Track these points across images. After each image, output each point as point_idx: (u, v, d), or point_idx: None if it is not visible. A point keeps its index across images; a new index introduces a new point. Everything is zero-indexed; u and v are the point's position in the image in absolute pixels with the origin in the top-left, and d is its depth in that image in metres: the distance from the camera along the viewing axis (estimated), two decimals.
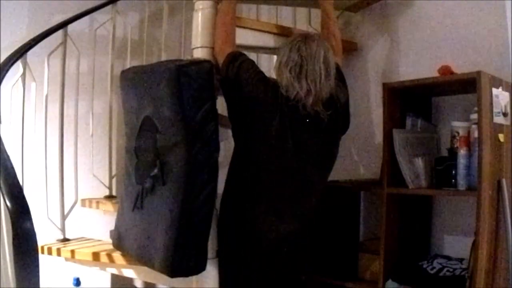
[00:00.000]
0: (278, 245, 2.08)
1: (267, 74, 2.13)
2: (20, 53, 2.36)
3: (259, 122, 2.01)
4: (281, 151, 2.02)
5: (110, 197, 2.90)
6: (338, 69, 2.17)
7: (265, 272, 2.07)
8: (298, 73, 1.98)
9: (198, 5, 2.18)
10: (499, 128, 2.15)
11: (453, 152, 2.25)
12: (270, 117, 1.99)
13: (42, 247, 2.47)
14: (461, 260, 2.31)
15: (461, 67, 2.29)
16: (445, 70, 2.29)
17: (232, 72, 2.04)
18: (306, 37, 2.06)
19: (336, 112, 2.10)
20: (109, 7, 2.86)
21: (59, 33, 2.60)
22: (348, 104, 2.23)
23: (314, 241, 2.40)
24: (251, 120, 2.03)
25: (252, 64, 2.09)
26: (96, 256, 2.41)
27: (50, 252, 2.49)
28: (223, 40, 2.11)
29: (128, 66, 2.92)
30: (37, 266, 1.55)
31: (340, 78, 2.20)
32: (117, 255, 2.35)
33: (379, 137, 2.47)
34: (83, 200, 2.82)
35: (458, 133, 2.26)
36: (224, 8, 2.13)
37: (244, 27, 2.24)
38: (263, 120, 2.01)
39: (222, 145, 2.02)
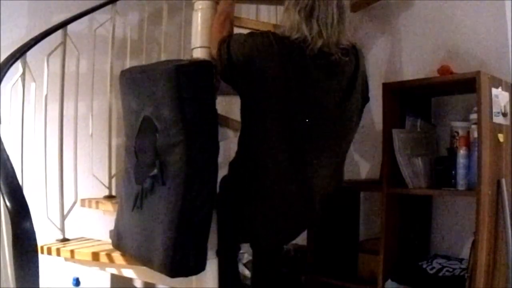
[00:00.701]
0: (281, 245, 2.06)
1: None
2: (19, 53, 2.36)
3: (264, 81, 1.89)
4: (287, 95, 1.89)
5: (109, 197, 2.90)
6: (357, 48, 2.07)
7: (265, 272, 2.07)
8: (308, 14, 1.87)
9: (198, 5, 2.18)
10: (498, 128, 2.15)
11: (452, 152, 2.25)
12: (270, 68, 1.87)
13: (42, 247, 2.47)
14: (460, 260, 2.31)
15: (460, 67, 2.29)
16: (445, 70, 2.30)
17: (224, 54, 1.95)
18: None
19: (357, 59, 1.98)
20: (108, 7, 2.86)
21: (59, 33, 2.60)
22: (366, 76, 2.11)
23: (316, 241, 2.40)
24: (258, 84, 1.91)
25: (238, 36, 2.00)
26: (95, 256, 2.41)
27: (49, 252, 2.48)
28: (219, 40, 2.08)
29: (127, 66, 2.92)
30: (37, 266, 1.55)
31: (355, 53, 2.07)
32: (116, 255, 2.34)
33: (378, 137, 2.47)
34: (82, 200, 2.82)
35: (457, 133, 2.26)
36: (221, 8, 2.12)
37: (243, 27, 2.24)
38: (266, 76, 1.88)
39: (221, 145, 2.02)
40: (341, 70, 1.95)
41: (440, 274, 2.24)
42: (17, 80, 2.41)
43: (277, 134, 1.91)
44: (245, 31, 2.21)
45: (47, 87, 2.58)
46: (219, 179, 2.01)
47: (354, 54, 2.00)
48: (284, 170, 1.93)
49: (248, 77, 1.92)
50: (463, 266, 2.24)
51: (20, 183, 2.06)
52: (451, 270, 2.25)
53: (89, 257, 2.43)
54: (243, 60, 1.91)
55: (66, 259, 2.54)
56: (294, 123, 1.91)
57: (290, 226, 2.06)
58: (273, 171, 1.93)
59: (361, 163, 2.95)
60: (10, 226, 1.54)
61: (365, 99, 2.15)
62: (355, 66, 2.00)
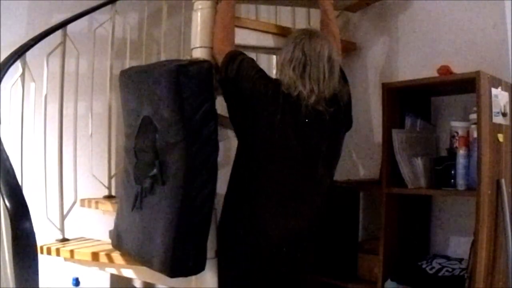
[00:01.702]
0: (283, 245, 2.07)
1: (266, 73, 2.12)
2: (19, 53, 2.36)
3: (261, 120, 2.00)
4: (284, 148, 2.01)
5: (109, 197, 2.90)
6: (340, 68, 2.16)
7: (266, 272, 2.07)
8: (301, 72, 1.98)
9: (197, 5, 2.18)
10: (498, 128, 2.15)
11: (452, 152, 2.25)
12: (272, 114, 1.97)
13: (42, 247, 2.47)
14: (460, 260, 2.31)
15: (460, 67, 2.29)
16: (444, 70, 2.30)
17: (231, 71, 2.02)
18: (310, 35, 2.04)
19: (339, 110, 2.09)
20: (108, 7, 2.86)
21: (58, 33, 2.60)
22: (350, 102, 2.22)
23: (316, 241, 2.40)
24: (252, 118, 2.01)
25: (252, 62, 2.08)
26: (95, 256, 2.41)
27: (49, 252, 2.48)
28: (222, 40, 2.10)
29: (127, 66, 2.92)
30: (36, 266, 1.55)
31: (342, 76, 2.20)
32: (116, 255, 2.34)
33: (378, 137, 2.47)
34: (82, 200, 2.82)
35: (457, 133, 2.26)
36: (223, 8, 2.12)
37: (243, 27, 2.24)
38: (264, 117, 1.99)
39: (221, 145, 2.02)
40: (330, 127, 2.07)
41: (440, 274, 2.24)
42: (16, 80, 2.41)
43: (274, 176, 2.04)
44: (245, 31, 2.22)
45: (46, 87, 2.58)
46: (219, 179, 2.01)
47: (336, 101, 2.08)
48: (277, 208, 2.05)
49: (250, 114, 2.02)
50: (462, 266, 2.24)
51: (20, 183, 2.06)
52: (450, 270, 2.25)
53: (88, 257, 2.42)
54: (248, 94, 2.00)
55: (65, 259, 2.53)
56: (290, 169, 2.03)
57: (288, 232, 2.08)
58: (267, 207, 2.05)
59: (360, 163, 2.95)
60: (9, 226, 1.54)
61: (349, 125, 2.26)
62: (338, 112, 2.10)
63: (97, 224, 2.81)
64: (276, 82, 2.03)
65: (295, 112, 1.99)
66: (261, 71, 2.07)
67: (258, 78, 2.02)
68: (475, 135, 2.12)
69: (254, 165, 2.05)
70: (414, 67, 2.65)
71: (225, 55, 2.06)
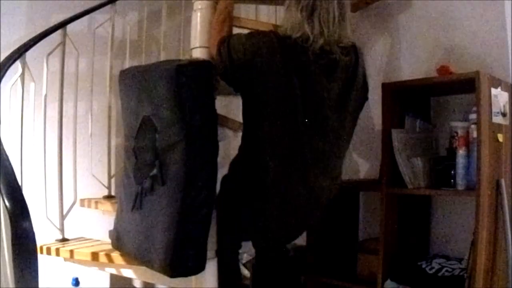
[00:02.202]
0: (281, 245, 2.05)
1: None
2: (19, 53, 2.36)
3: (266, 82, 1.88)
4: (288, 95, 1.89)
5: (109, 197, 2.90)
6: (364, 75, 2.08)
7: (265, 272, 2.07)
8: (310, 13, 1.88)
9: (197, 5, 2.18)
10: (498, 128, 2.15)
11: (452, 152, 2.25)
12: (273, 68, 1.87)
13: (41, 247, 2.47)
14: (460, 260, 2.31)
15: (460, 67, 2.29)
16: (444, 70, 2.30)
17: (224, 53, 1.94)
18: None
19: (356, 60, 1.98)
20: (108, 7, 2.86)
21: (58, 33, 2.60)
22: (366, 76, 2.11)
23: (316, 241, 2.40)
24: (259, 85, 1.90)
25: (239, 35, 2.00)
26: (95, 256, 2.41)
27: (49, 252, 2.48)
28: (218, 40, 2.07)
29: (127, 66, 2.92)
30: (36, 266, 1.55)
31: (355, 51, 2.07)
32: (116, 255, 2.34)
33: (378, 137, 2.47)
34: (82, 200, 2.82)
35: (457, 133, 2.26)
36: (221, 8, 2.12)
37: (243, 27, 2.24)
38: (268, 77, 1.88)
39: (221, 145, 2.01)
40: (342, 70, 1.95)
41: (440, 274, 2.24)
42: (16, 80, 2.41)
43: (279, 134, 1.91)
44: (244, 31, 2.21)
45: (46, 87, 2.58)
46: (218, 179, 2.01)
47: (354, 53, 2.00)
48: (286, 170, 1.93)
49: (249, 76, 1.91)
50: (462, 266, 2.24)
51: (20, 183, 2.06)
52: (450, 270, 2.25)
53: (88, 257, 2.42)
54: (244, 59, 1.90)
55: (65, 259, 2.53)
56: (296, 122, 1.90)
57: (292, 225, 2.06)
58: (274, 171, 1.92)
59: (360, 163, 2.95)
60: (9, 226, 1.54)
61: (364, 98, 2.14)
62: (355, 65, 2.00)
63: (97, 224, 2.81)
64: (268, 34, 1.93)
65: (298, 54, 1.88)
66: (250, 34, 1.98)
67: (247, 40, 1.92)
68: (474, 135, 2.12)
69: (264, 128, 1.92)
70: (414, 67, 2.65)
71: (216, 48, 2.00)
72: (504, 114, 2.20)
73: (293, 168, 1.94)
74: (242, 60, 1.91)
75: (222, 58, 1.95)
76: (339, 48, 1.93)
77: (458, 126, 2.28)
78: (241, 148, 2.04)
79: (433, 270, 2.27)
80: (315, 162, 1.96)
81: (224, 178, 2.07)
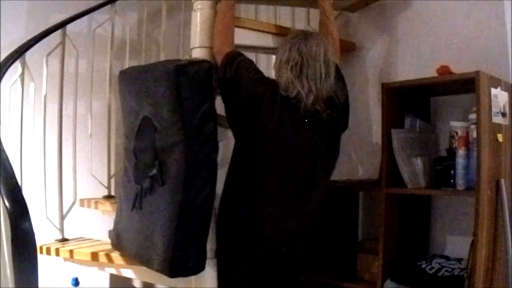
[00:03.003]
0: (282, 244, 2.07)
1: (266, 74, 2.13)
2: (18, 53, 2.36)
3: (258, 121, 2.00)
4: (281, 148, 2.01)
5: (108, 197, 2.90)
6: (337, 68, 2.17)
7: (265, 272, 2.07)
8: (299, 72, 1.98)
9: (197, 5, 2.18)
10: (497, 128, 2.15)
11: (451, 152, 2.25)
12: (269, 115, 1.98)
13: (41, 247, 2.47)
14: (459, 260, 2.31)
15: (459, 67, 2.29)
16: (444, 70, 2.30)
17: (230, 72, 2.03)
18: (306, 35, 2.05)
19: (336, 110, 2.10)
20: (107, 7, 2.86)
21: (58, 33, 2.60)
22: (347, 102, 2.23)
23: (316, 241, 2.40)
24: (250, 119, 2.01)
25: (250, 64, 2.09)
26: (94, 256, 2.41)
27: (48, 252, 2.48)
28: (222, 40, 2.10)
29: (126, 66, 2.91)
30: (36, 266, 1.55)
31: (339, 77, 2.20)
32: (115, 255, 2.35)
33: (377, 137, 2.47)
34: (81, 200, 2.82)
35: (456, 133, 2.26)
36: (223, 8, 2.13)
37: (243, 27, 2.24)
38: (262, 118, 1.99)
39: (221, 145, 2.02)
40: (328, 127, 2.08)
41: (439, 274, 2.24)
42: (16, 80, 2.41)
43: (269, 177, 2.04)
44: (244, 31, 2.22)
45: (46, 87, 2.58)
46: (218, 179, 2.01)
47: (333, 104, 2.09)
48: (274, 210, 2.05)
49: (248, 115, 2.01)
50: (462, 266, 2.24)
51: (19, 183, 2.06)
52: (450, 270, 2.25)
53: (88, 257, 2.43)
54: (246, 95, 2.01)
55: (65, 259, 2.54)
56: (285, 170, 2.04)
57: (291, 226, 2.08)
58: (263, 209, 2.05)
59: (360, 163, 2.95)
60: (9, 226, 1.54)
61: (345, 126, 2.26)
62: (335, 114, 2.11)
63: (97, 224, 2.81)
64: (274, 84, 2.04)
65: (293, 112, 2.00)
66: (259, 72, 2.08)
67: (256, 80, 2.03)
68: (474, 135, 2.11)
69: (251, 164, 2.05)
70: (413, 67, 2.65)
71: (224, 56, 2.07)
72: (504, 114, 2.20)
73: (279, 208, 2.06)
74: (245, 92, 2.01)
75: (226, 74, 2.04)
76: (324, 105, 2.04)
77: (458, 126, 2.28)
78: (226, 185, 2.12)
79: (433, 270, 2.27)
80: (300, 204, 2.10)
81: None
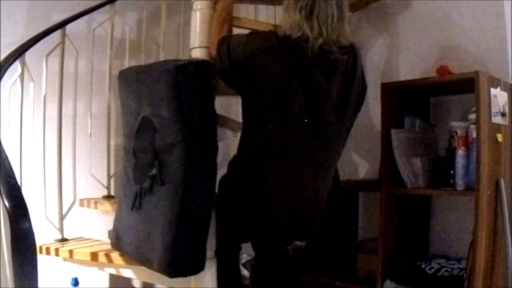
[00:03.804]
0: (280, 245, 2.05)
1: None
2: (18, 53, 2.36)
3: (261, 76, 1.89)
4: (289, 99, 1.89)
5: (108, 197, 2.90)
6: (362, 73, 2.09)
7: (264, 272, 2.07)
8: (308, 13, 1.88)
9: (196, 5, 2.18)
10: (497, 128, 2.15)
11: (451, 152, 2.25)
12: (271, 66, 1.87)
13: (40, 247, 2.47)
14: (459, 260, 2.31)
15: (459, 67, 2.29)
16: (443, 70, 2.30)
17: (223, 53, 1.96)
18: None
19: (355, 58, 1.99)
20: (107, 7, 2.86)
21: (58, 33, 2.60)
22: (364, 77, 2.11)
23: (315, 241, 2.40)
24: (253, 78, 1.91)
25: (238, 35, 2.01)
26: (94, 256, 2.41)
27: (48, 252, 2.48)
28: (218, 40, 2.08)
29: (126, 66, 2.91)
30: (35, 266, 1.55)
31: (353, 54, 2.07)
32: (115, 255, 2.34)
33: (377, 137, 2.47)
34: (81, 200, 2.82)
35: (456, 133, 2.26)
36: (220, 8, 2.12)
37: (242, 27, 2.24)
38: (264, 72, 1.89)
39: (220, 145, 2.01)
40: (340, 69, 1.95)
41: (439, 274, 2.25)
42: (16, 80, 2.41)
43: (278, 135, 1.92)
44: (244, 31, 2.22)
45: (45, 87, 2.58)
46: (218, 179, 2.01)
47: (352, 53, 2.01)
48: (283, 172, 1.94)
49: (249, 76, 1.92)
50: (461, 266, 2.24)
51: (19, 183, 2.06)
52: (449, 270, 2.25)
53: (87, 257, 2.42)
54: (244, 59, 1.91)
55: (64, 259, 2.53)
56: (295, 123, 1.91)
57: (291, 226, 2.07)
58: (273, 172, 1.93)
59: (360, 163, 2.95)
60: (8, 226, 1.53)
61: (362, 99, 2.14)
62: (353, 65, 2.00)
63: (96, 224, 2.81)
64: (269, 33, 1.96)
65: (298, 54, 1.89)
66: (251, 34, 1.99)
67: (247, 40, 1.94)
68: (474, 135, 2.12)
69: (261, 125, 1.95)
70: (413, 67, 2.65)
71: (216, 47, 2.01)
72: (503, 114, 2.20)
73: (290, 170, 1.94)
74: (242, 60, 1.91)
75: (222, 58, 1.96)
76: (337, 48, 1.93)
77: (458, 126, 2.28)
78: (239, 150, 2.04)
79: (433, 270, 2.27)
80: (312, 164, 1.97)
81: (223, 179, 2.07)
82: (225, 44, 1.97)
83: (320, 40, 1.89)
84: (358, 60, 2.02)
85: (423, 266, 2.32)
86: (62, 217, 2.61)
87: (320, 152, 1.98)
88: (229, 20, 2.12)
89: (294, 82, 1.88)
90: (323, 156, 1.99)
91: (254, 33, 2.00)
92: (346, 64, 1.97)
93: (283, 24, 1.95)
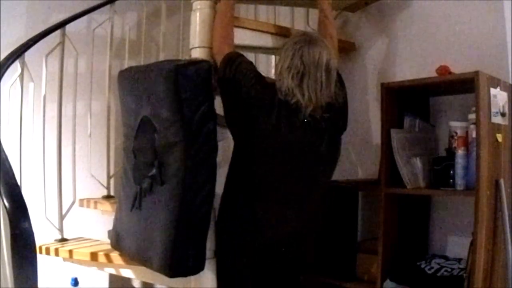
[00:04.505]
0: (281, 244, 2.07)
1: (265, 73, 2.13)
2: (18, 53, 2.36)
3: (255, 122, 2.00)
4: (279, 149, 2.01)
5: (108, 197, 2.90)
6: (337, 71, 2.16)
7: (264, 272, 2.07)
8: (299, 81, 1.97)
9: (196, 5, 2.18)
10: (497, 128, 2.15)
11: (451, 152, 2.25)
12: (267, 116, 1.97)
13: (40, 247, 2.47)
14: (459, 260, 2.31)
15: (459, 67, 2.29)
16: (443, 70, 2.30)
17: (229, 73, 2.02)
18: (310, 41, 2.02)
19: (335, 114, 2.10)
20: (107, 7, 2.86)
21: (57, 33, 2.60)
22: (346, 105, 2.21)
23: (314, 242, 2.41)
24: (248, 120, 2.01)
25: (250, 65, 2.08)
26: (94, 256, 2.41)
27: (48, 252, 2.48)
28: (221, 40, 2.10)
29: (126, 66, 2.91)
30: (35, 266, 1.55)
31: (339, 80, 2.19)
32: (115, 255, 2.35)
33: (377, 137, 2.47)
34: (81, 200, 2.82)
35: (456, 133, 2.26)
36: (222, 8, 2.13)
37: (242, 27, 2.24)
38: (259, 120, 1.99)
39: (220, 145, 2.01)
40: (327, 131, 2.06)
41: (439, 274, 2.25)
42: (15, 80, 2.41)
43: (262, 174, 2.04)
44: (243, 31, 2.22)
45: (45, 87, 2.58)
46: (217, 179, 2.01)
47: (333, 109, 2.08)
48: (272, 212, 2.05)
49: (241, 110, 2.02)
50: (461, 266, 2.24)
51: (19, 183, 2.06)
52: (449, 270, 2.25)
53: (87, 257, 2.43)
54: (245, 97, 2.00)
55: (64, 259, 2.54)
56: (280, 168, 2.03)
57: (291, 226, 2.08)
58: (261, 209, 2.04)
59: (359, 163, 2.95)
60: (8, 226, 1.53)
61: (343, 128, 2.23)
62: (335, 121, 2.11)
63: (96, 224, 2.82)
64: (273, 87, 2.03)
65: (292, 116, 1.99)
66: (258, 75, 2.07)
67: (255, 83, 2.02)
68: (474, 135, 2.12)
69: (250, 164, 2.05)
70: (413, 67, 2.65)
71: (223, 57, 2.06)
72: (503, 114, 2.20)
73: (276, 208, 2.06)
74: (243, 93, 2.01)
75: (225, 74, 2.03)
76: (324, 112, 2.03)
77: (457, 126, 2.28)
78: (227, 182, 2.12)
79: (432, 270, 2.27)
80: (298, 202, 2.10)
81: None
82: (233, 66, 2.03)
83: (310, 107, 1.98)
84: (337, 108, 2.10)
85: (423, 266, 2.32)
86: (62, 217, 2.62)
87: (307, 199, 2.13)
88: (231, 20, 2.13)
89: (287, 137, 2.00)
90: (309, 201, 2.14)
91: (266, 82, 2.08)
92: (330, 122, 2.07)
93: (278, 84, 2.02)
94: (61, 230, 2.62)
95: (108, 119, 2.93)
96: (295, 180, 2.06)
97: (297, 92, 1.97)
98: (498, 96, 2.16)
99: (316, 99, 1.98)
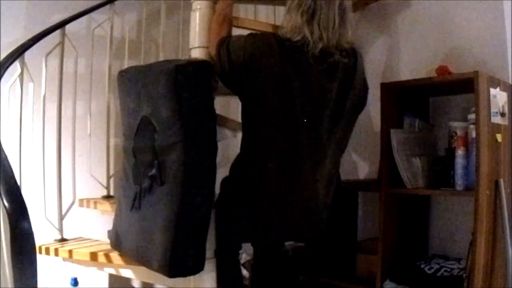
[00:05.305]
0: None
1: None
2: (18, 53, 2.35)
3: (260, 79, 1.89)
4: (287, 97, 1.89)
5: (108, 197, 2.90)
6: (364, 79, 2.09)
7: (264, 271, 2.07)
8: (309, 17, 1.87)
9: (196, 5, 2.18)
10: (496, 128, 2.15)
11: (451, 152, 2.25)
12: (270, 68, 1.87)
13: (40, 247, 2.47)
14: (459, 260, 2.32)
15: (458, 67, 2.29)
16: (443, 70, 2.30)
17: (223, 54, 1.95)
18: None
19: (355, 62, 1.98)
20: (106, 7, 2.85)
21: (57, 33, 2.60)
22: (365, 79, 2.11)
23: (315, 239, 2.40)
24: (252, 80, 1.91)
25: (239, 36, 2.01)
26: (94, 256, 2.41)
27: (48, 252, 2.48)
28: (218, 41, 2.08)
29: (125, 66, 2.91)
30: (35, 266, 1.55)
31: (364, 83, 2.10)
32: (115, 255, 2.34)
33: (377, 137, 2.47)
34: (80, 200, 2.82)
35: (456, 133, 2.27)
36: (220, 8, 2.12)
37: (242, 27, 2.24)
38: (263, 74, 1.88)
39: (220, 145, 2.01)
40: (341, 72, 1.95)
41: (439, 274, 2.25)
42: (15, 80, 2.41)
43: (277, 136, 1.92)
44: (243, 32, 2.21)
45: (45, 87, 2.58)
46: (217, 179, 2.01)
47: (353, 56, 2.00)
48: (284, 172, 1.94)
49: (248, 78, 1.92)
50: (461, 266, 2.24)
51: (18, 183, 2.06)
52: (449, 270, 2.25)
53: (87, 257, 2.42)
54: (244, 61, 1.91)
55: (64, 259, 2.53)
56: (294, 124, 1.91)
57: (292, 225, 2.06)
58: (273, 172, 1.93)
59: (359, 163, 2.95)
60: (8, 226, 1.53)
61: (363, 101, 2.14)
62: (353, 68, 2.00)
63: (96, 224, 2.81)
64: (269, 34, 1.95)
65: (297, 57, 1.88)
66: (250, 35, 1.98)
67: (246, 42, 1.93)
68: (473, 135, 2.12)
69: (263, 130, 1.94)
70: (412, 67, 2.66)
71: (215, 47, 2.01)
72: (503, 114, 2.20)
73: (290, 170, 1.94)
74: (241, 61, 1.91)
75: (221, 59, 1.96)
76: (338, 51, 1.93)
77: (457, 126, 2.28)
78: (240, 152, 2.04)
79: (432, 270, 2.27)
80: (311, 165, 1.96)
81: (224, 180, 2.07)
82: (224, 45, 1.97)
83: (320, 45, 1.88)
84: (358, 62, 2.01)
85: (422, 266, 2.32)
86: (61, 217, 2.61)
87: (318, 153, 1.97)
88: (229, 20, 2.12)
89: (292, 84, 1.88)
90: (321, 155, 1.98)
91: (253, 34, 1.99)
92: (346, 67, 1.96)
93: (284, 25, 1.94)
94: (60, 230, 2.62)
95: (108, 119, 2.93)
96: (303, 141, 1.92)
97: (305, 29, 1.87)
98: (498, 96, 2.16)
99: (327, 38, 1.88)
